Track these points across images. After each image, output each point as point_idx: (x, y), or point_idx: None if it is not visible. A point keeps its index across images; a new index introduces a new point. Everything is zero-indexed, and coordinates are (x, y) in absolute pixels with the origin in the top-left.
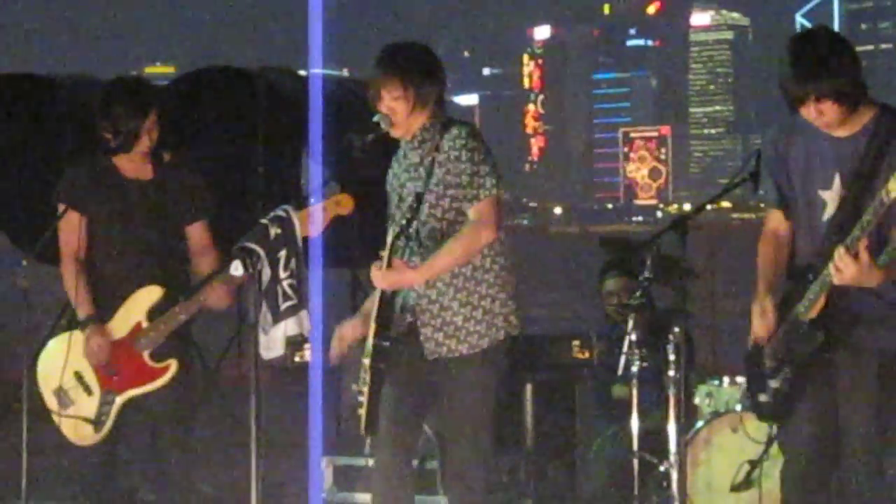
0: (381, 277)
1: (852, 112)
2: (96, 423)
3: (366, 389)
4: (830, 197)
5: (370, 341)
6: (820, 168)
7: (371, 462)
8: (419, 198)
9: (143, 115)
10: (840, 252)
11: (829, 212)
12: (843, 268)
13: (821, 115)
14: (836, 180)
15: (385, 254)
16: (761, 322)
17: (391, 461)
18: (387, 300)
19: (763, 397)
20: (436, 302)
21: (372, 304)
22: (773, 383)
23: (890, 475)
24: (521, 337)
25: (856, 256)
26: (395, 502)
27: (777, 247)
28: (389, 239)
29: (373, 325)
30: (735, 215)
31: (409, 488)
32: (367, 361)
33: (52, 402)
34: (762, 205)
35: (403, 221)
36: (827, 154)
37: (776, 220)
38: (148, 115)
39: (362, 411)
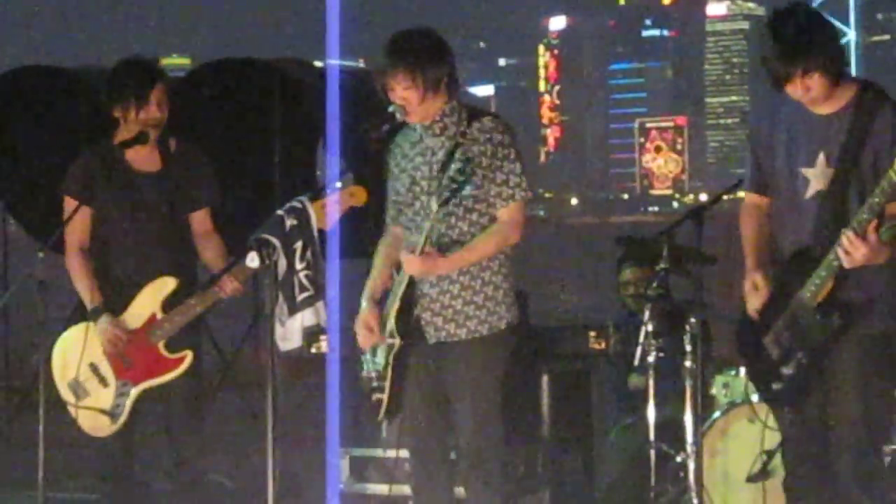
0: (416, 263)
1: (836, 86)
2: (112, 414)
3: (389, 372)
4: (814, 174)
5: (392, 322)
6: (804, 145)
7: (388, 453)
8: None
9: (147, 87)
10: (849, 236)
11: (813, 189)
12: (854, 251)
13: (808, 90)
14: (821, 158)
15: (420, 241)
16: (755, 297)
17: (425, 446)
18: (413, 282)
19: (776, 385)
20: (435, 286)
21: (375, 289)
22: (787, 370)
23: (884, 454)
24: (536, 328)
25: (864, 238)
26: (431, 484)
27: (759, 219)
28: (427, 226)
29: (397, 304)
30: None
31: (444, 473)
32: (388, 343)
33: (67, 393)
34: (743, 185)
35: (435, 207)
36: (811, 132)
37: (755, 200)
38: (153, 86)
39: (382, 396)
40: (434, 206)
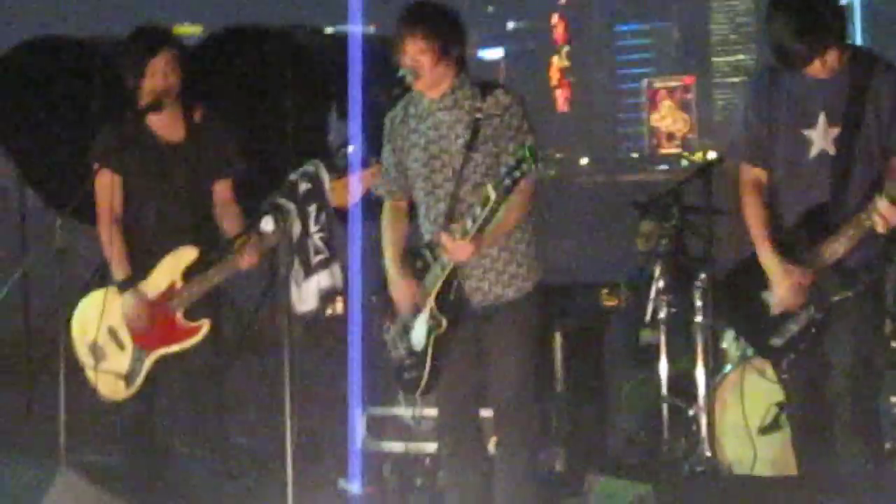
0: (468, 250)
1: (843, 52)
2: (128, 378)
3: (429, 351)
4: (816, 135)
5: (432, 302)
6: (804, 108)
7: (406, 412)
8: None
9: (153, 52)
10: (885, 206)
11: (816, 150)
12: (892, 218)
13: (824, 65)
14: (821, 118)
15: (470, 227)
16: (786, 290)
17: (462, 409)
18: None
19: (776, 340)
20: (486, 256)
21: (398, 260)
22: (793, 325)
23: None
24: (549, 286)
25: (893, 204)
26: (467, 449)
27: (760, 200)
28: (478, 211)
29: (437, 287)
30: (736, 165)
31: (475, 433)
32: (428, 325)
33: (86, 356)
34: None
35: (493, 195)
36: (808, 95)
37: (753, 174)
38: (157, 52)
39: (417, 374)
40: (492, 194)
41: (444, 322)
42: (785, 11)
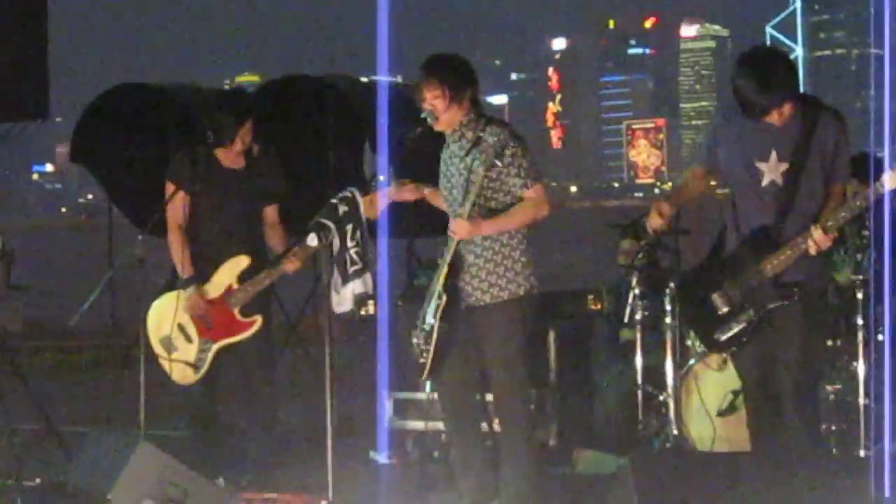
0: (465, 225)
1: (795, 105)
2: (196, 366)
3: (434, 336)
4: (767, 168)
5: (441, 283)
6: (759, 144)
7: (425, 396)
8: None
9: (241, 122)
10: (819, 234)
11: (767, 179)
12: (822, 244)
13: (781, 115)
14: (773, 155)
15: (467, 209)
16: (658, 219)
17: (462, 393)
18: (458, 251)
19: (720, 335)
20: (473, 264)
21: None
22: (735, 324)
23: (828, 399)
24: (544, 293)
25: (825, 233)
26: (468, 427)
27: (694, 179)
28: (468, 202)
29: (445, 269)
30: (719, 191)
31: (481, 415)
32: (435, 304)
33: (159, 348)
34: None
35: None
36: (765, 133)
37: (700, 168)
38: (245, 123)
39: (425, 361)
40: (473, 190)
41: (444, 301)
42: (748, 70)
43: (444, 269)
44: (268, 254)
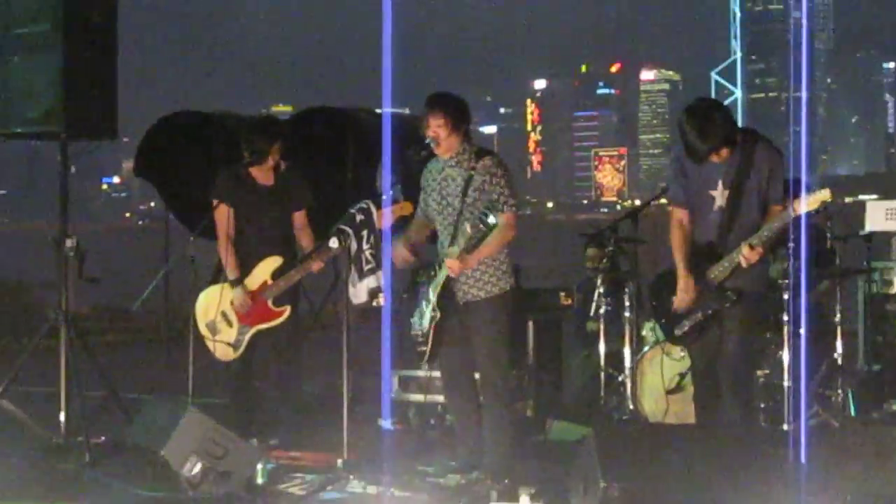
0: (457, 266)
1: (733, 149)
2: (235, 346)
3: (431, 333)
4: (716, 194)
5: (434, 299)
6: (709, 176)
7: (424, 374)
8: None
9: (272, 143)
10: (747, 250)
11: (716, 205)
12: (751, 258)
13: (719, 156)
14: (720, 184)
15: (457, 250)
16: (686, 295)
17: (458, 373)
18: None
19: (678, 331)
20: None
21: (408, 237)
22: (688, 322)
23: (759, 381)
24: (524, 290)
25: (756, 251)
26: (465, 401)
27: (685, 233)
28: (462, 241)
29: (438, 289)
30: (669, 208)
31: (475, 390)
32: (426, 320)
33: (205, 331)
34: (671, 202)
35: (469, 230)
36: (713, 168)
37: (681, 214)
38: (275, 143)
39: (425, 349)
40: (468, 229)
41: (439, 314)
42: (692, 122)
43: (439, 289)
44: (297, 254)
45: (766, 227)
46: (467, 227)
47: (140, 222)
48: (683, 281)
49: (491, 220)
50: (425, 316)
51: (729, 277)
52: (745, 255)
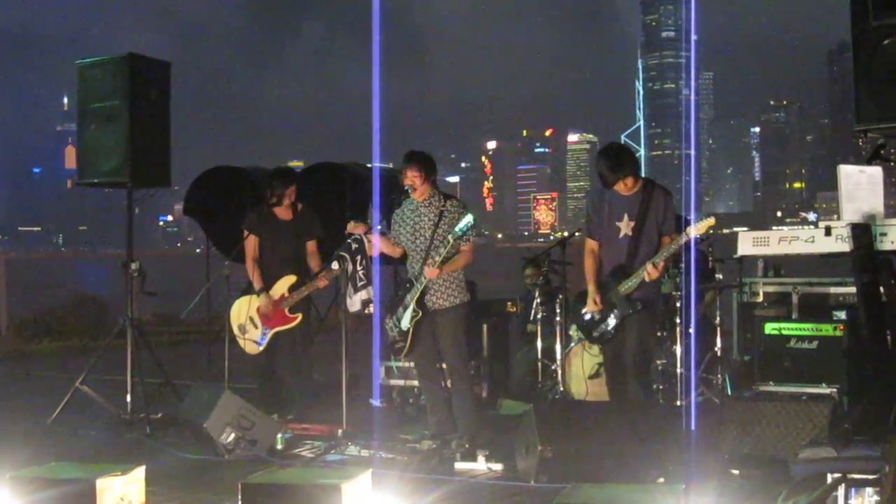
0: (434, 272)
1: (636, 181)
2: (259, 343)
3: (411, 330)
4: (622, 225)
5: (414, 303)
6: (617, 209)
7: (403, 363)
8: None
9: (287, 186)
10: (651, 267)
11: (622, 234)
12: (654, 274)
13: (625, 186)
14: (626, 216)
15: (437, 261)
16: (594, 305)
17: (428, 364)
18: (425, 285)
19: (595, 333)
20: (436, 283)
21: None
22: (603, 326)
23: (657, 368)
24: (479, 300)
25: (655, 267)
26: (434, 385)
27: (594, 260)
28: (441, 254)
29: (417, 295)
30: (584, 238)
31: (441, 377)
32: (406, 321)
33: (237, 332)
34: (585, 234)
35: (443, 251)
36: (621, 203)
37: (592, 244)
38: (290, 186)
39: (404, 345)
40: (442, 251)
41: (420, 313)
42: (604, 157)
43: (417, 295)
44: (308, 273)
45: (665, 249)
46: (450, 239)
47: (197, 250)
48: (591, 294)
49: (457, 229)
50: (403, 319)
51: (635, 290)
52: (650, 271)
